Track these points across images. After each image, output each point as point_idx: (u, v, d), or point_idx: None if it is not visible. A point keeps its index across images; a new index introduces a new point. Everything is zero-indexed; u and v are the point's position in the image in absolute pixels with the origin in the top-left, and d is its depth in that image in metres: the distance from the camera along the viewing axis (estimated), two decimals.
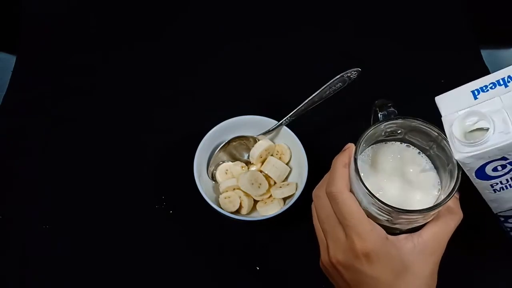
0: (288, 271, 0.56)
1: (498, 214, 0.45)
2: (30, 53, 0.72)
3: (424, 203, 0.40)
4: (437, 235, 0.38)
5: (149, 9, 0.77)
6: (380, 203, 0.36)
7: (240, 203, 0.57)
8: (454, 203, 0.39)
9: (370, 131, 0.39)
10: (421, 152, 0.42)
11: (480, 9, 0.75)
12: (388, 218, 0.38)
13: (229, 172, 0.60)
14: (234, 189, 0.58)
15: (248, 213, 0.57)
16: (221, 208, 0.55)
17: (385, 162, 0.42)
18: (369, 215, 0.39)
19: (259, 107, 0.61)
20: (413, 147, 0.43)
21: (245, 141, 0.60)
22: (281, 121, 0.59)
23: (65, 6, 0.76)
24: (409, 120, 0.40)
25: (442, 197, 0.38)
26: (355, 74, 0.57)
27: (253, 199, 0.58)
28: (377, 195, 0.37)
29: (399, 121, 0.40)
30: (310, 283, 0.56)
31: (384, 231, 0.38)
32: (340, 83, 0.57)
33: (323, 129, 0.64)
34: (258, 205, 0.57)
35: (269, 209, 0.55)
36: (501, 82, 0.36)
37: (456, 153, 0.37)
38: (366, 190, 0.37)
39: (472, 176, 0.38)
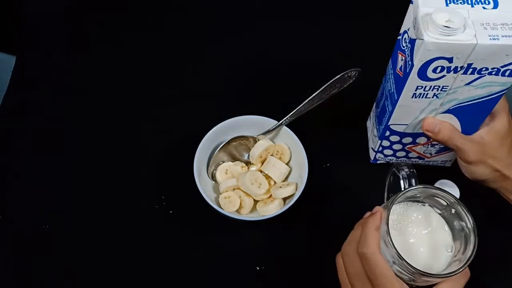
0: (288, 271, 0.56)
1: (390, 124, 0.53)
2: (30, 53, 0.72)
3: (441, 263, 0.43)
4: None
5: (148, 9, 0.77)
6: (408, 265, 0.39)
7: (240, 203, 0.57)
8: None
9: (399, 197, 0.43)
10: (435, 211, 0.46)
11: None
12: (410, 278, 0.41)
13: (229, 172, 0.60)
14: (234, 189, 0.58)
15: (248, 213, 0.57)
16: (221, 208, 0.55)
17: (407, 222, 0.45)
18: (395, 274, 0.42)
19: (259, 107, 0.61)
20: (428, 205, 0.46)
21: (245, 141, 0.60)
22: (281, 121, 0.59)
23: (65, 6, 0.76)
24: (429, 188, 0.44)
25: (458, 261, 0.42)
26: (355, 74, 0.57)
27: (253, 199, 0.58)
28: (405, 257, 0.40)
29: (421, 187, 0.44)
30: (310, 283, 0.56)
31: None
32: (340, 83, 0.57)
33: (324, 129, 0.64)
34: (258, 205, 0.57)
35: (269, 209, 0.55)
36: (469, 2, 0.44)
37: (425, 35, 0.41)
38: (397, 253, 0.40)
39: (414, 71, 0.44)
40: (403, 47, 0.47)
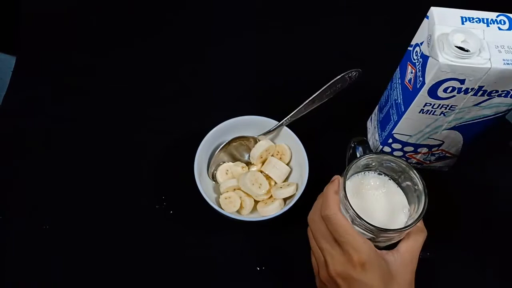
0: (289, 272, 0.56)
1: (393, 133, 0.53)
2: (30, 53, 0.72)
3: (398, 223, 0.46)
4: (411, 248, 0.44)
5: (148, 9, 0.77)
6: (366, 223, 0.42)
7: (241, 204, 0.57)
8: (420, 222, 0.45)
9: (353, 165, 0.46)
10: (391, 180, 0.48)
11: None
12: (371, 237, 0.44)
13: (229, 172, 0.60)
14: (234, 189, 0.58)
15: (249, 214, 0.57)
16: (221, 208, 0.55)
17: (365, 189, 0.48)
18: None
19: (260, 107, 0.61)
20: (384, 175, 0.48)
21: (246, 142, 0.60)
22: (281, 122, 0.59)
23: (65, 6, 0.76)
24: (382, 155, 0.48)
25: (412, 219, 0.45)
26: (355, 74, 0.57)
27: (254, 199, 0.58)
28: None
29: (374, 155, 0.47)
30: (310, 283, 0.55)
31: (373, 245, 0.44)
32: (340, 84, 0.57)
33: (324, 130, 0.64)
34: (258, 206, 0.57)
35: (270, 210, 0.55)
36: (485, 21, 0.44)
37: (441, 56, 0.41)
38: (355, 213, 0.43)
39: (425, 89, 0.44)
40: (414, 59, 0.47)
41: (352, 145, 0.54)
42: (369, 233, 0.44)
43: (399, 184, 0.48)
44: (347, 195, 0.44)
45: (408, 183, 0.47)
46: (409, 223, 0.43)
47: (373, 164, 0.48)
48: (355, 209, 0.43)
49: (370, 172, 0.48)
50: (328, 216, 0.44)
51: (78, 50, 0.72)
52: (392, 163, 0.47)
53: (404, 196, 0.47)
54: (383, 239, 0.45)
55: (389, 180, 0.48)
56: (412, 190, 0.46)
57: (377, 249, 0.44)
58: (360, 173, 0.48)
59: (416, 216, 0.43)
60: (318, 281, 0.48)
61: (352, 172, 0.47)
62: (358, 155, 0.52)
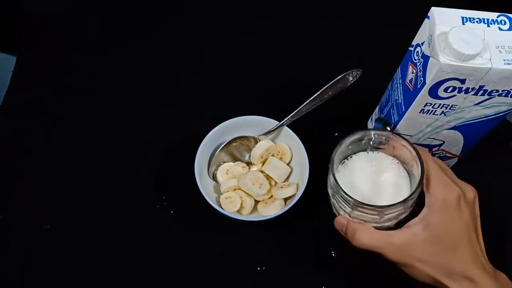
0: (289, 272, 0.56)
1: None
2: (30, 53, 0.72)
3: (384, 201, 0.45)
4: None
5: (148, 9, 0.77)
6: (345, 194, 0.43)
7: (241, 204, 0.57)
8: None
9: (338, 150, 0.46)
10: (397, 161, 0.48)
11: None
12: (376, 219, 0.44)
13: (230, 172, 0.60)
14: (235, 189, 0.58)
15: (249, 214, 0.57)
16: (222, 208, 0.55)
17: (359, 173, 0.48)
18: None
19: (260, 107, 0.61)
20: (376, 151, 0.48)
21: (246, 142, 0.60)
22: (282, 122, 0.59)
23: (65, 6, 0.76)
24: (365, 131, 0.47)
25: (413, 189, 0.43)
26: (356, 74, 0.58)
27: (254, 199, 0.58)
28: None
29: (361, 132, 0.47)
30: (311, 284, 0.55)
31: None
32: (341, 84, 0.58)
33: (324, 130, 0.64)
34: (259, 206, 0.57)
35: (270, 210, 0.55)
36: (485, 21, 0.44)
37: (441, 56, 0.41)
38: (335, 183, 0.43)
39: (426, 88, 0.44)
40: (415, 60, 0.47)
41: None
42: (373, 214, 0.43)
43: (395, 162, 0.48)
44: (341, 185, 0.43)
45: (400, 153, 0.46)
46: (413, 190, 0.42)
47: (364, 141, 0.48)
48: (343, 183, 0.43)
49: (360, 153, 0.48)
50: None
51: (78, 50, 0.72)
52: (379, 137, 0.47)
53: (397, 174, 0.47)
54: (389, 216, 0.44)
55: (385, 157, 0.48)
56: (409, 160, 0.46)
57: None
58: (351, 157, 0.48)
59: (417, 183, 0.42)
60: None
61: (341, 156, 0.47)
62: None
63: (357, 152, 0.49)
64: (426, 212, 0.42)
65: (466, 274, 0.40)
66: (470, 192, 0.43)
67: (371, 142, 0.48)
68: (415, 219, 0.42)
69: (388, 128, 0.53)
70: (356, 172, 0.48)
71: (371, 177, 0.48)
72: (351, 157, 0.49)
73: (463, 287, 0.40)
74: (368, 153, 0.49)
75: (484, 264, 0.41)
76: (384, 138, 0.47)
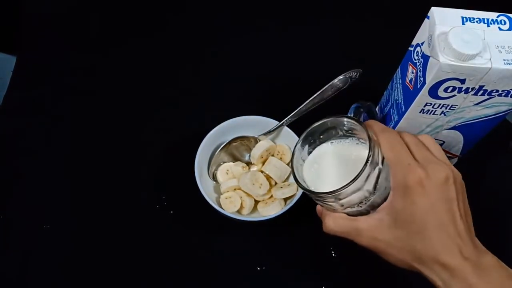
0: (289, 272, 0.56)
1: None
2: (30, 53, 0.72)
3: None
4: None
5: (148, 9, 0.77)
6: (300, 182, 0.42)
7: (241, 204, 0.57)
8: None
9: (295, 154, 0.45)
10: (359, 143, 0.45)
11: None
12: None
13: (230, 172, 0.60)
14: (235, 189, 0.58)
15: (249, 214, 0.57)
16: (222, 208, 0.55)
17: (325, 162, 0.46)
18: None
19: (260, 107, 0.61)
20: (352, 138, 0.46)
21: (246, 142, 0.60)
22: (282, 122, 0.59)
23: (65, 6, 0.76)
24: (326, 119, 0.45)
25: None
26: (356, 74, 0.57)
27: (254, 199, 0.58)
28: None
29: (321, 121, 0.45)
30: (311, 284, 0.55)
31: None
32: (341, 84, 0.57)
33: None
34: (259, 206, 0.57)
35: (270, 210, 0.55)
36: (485, 21, 0.44)
37: (441, 57, 0.41)
38: (293, 173, 0.42)
39: (426, 88, 0.44)
40: (415, 60, 0.47)
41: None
42: (330, 201, 0.42)
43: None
44: (308, 186, 0.43)
45: (357, 137, 0.45)
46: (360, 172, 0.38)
47: (331, 128, 0.45)
48: (308, 175, 0.43)
49: (328, 142, 0.46)
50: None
51: (78, 50, 0.72)
52: (326, 124, 0.45)
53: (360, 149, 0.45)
54: (347, 200, 0.41)
55: (351, 141, 0.45)
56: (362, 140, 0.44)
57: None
58: (320, 146, 0.46)
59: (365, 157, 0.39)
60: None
61: (310, 149, 0.46)
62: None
63: (327, 141, 0.46)
64: (391, 196, 0.41)
65: (438, 259, 0.37)
66: (440, 172, 0.39)
67: (341, 130, 0.46)
68: (384, 204, 0.41)
69: (362, 110, 0.49)
70: (323, 163, 0.46)
71: (338, 166, 0.46)
72: (320, 147, 0.47)
73: (436, 272, 0.38)
74: (333, 142, 0.46)
75: (462, 249, 0.38)
76: (345, 124, 0.45)
